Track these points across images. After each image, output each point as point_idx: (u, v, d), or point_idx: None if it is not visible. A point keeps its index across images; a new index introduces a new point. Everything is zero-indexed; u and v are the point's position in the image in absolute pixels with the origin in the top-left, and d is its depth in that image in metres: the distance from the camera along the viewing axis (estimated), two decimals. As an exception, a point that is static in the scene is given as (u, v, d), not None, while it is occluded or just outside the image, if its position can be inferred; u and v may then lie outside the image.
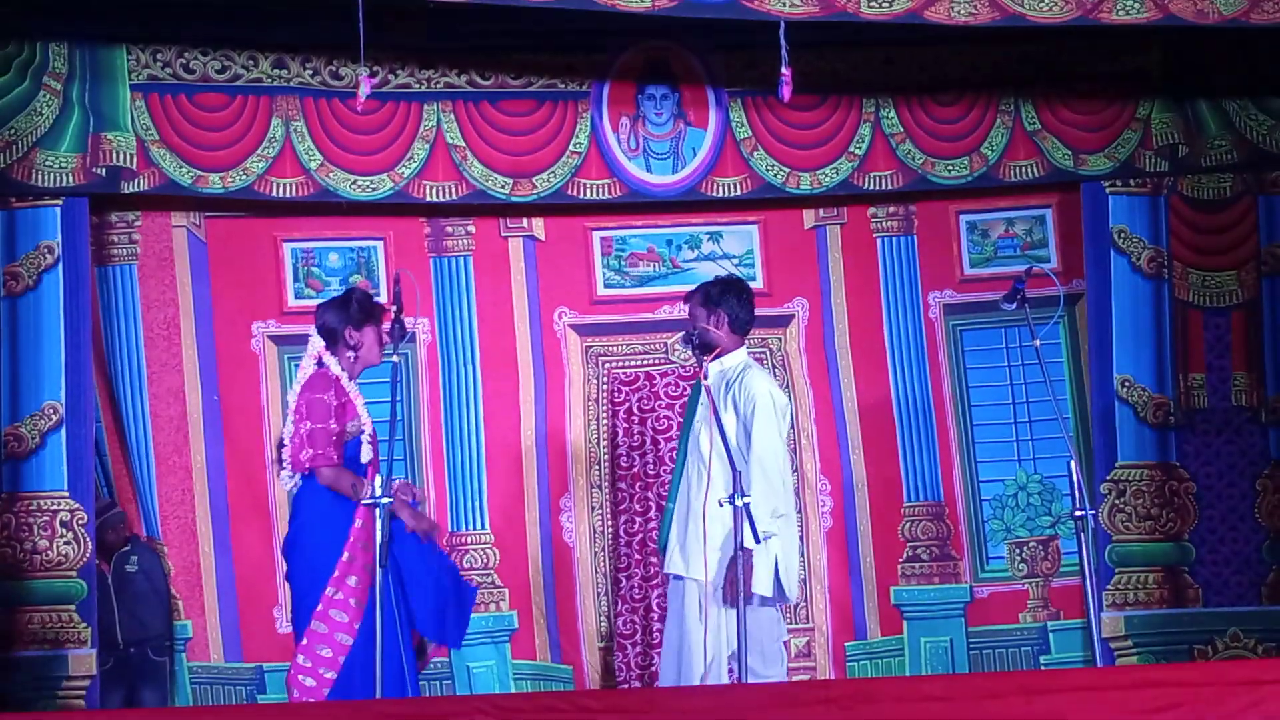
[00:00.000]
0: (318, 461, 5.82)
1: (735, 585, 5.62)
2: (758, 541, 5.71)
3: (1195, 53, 7.31)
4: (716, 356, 6.05)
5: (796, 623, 7.41)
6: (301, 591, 5.85)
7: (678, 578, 6.01)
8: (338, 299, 6.12)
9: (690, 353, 6.22)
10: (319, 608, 5.77)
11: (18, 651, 6.64)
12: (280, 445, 5.95)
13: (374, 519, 5.53)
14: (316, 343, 5.98)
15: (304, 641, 5.78)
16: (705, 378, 5.95)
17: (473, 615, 7.19)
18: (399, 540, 5.74)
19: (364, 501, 5.66)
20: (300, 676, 5.78)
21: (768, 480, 5.90)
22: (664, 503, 6.18)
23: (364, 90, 6.13)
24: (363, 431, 5.92)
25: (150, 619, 7.00)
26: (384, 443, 5.83)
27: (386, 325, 5.90)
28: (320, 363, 5.96)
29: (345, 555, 5.79)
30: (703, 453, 5.95)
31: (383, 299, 6.18)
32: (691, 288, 6.26)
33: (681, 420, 6.34)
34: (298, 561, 5.88)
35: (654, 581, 7.23)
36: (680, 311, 6.55)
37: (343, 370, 5.94)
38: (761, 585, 5.83)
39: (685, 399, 6.78)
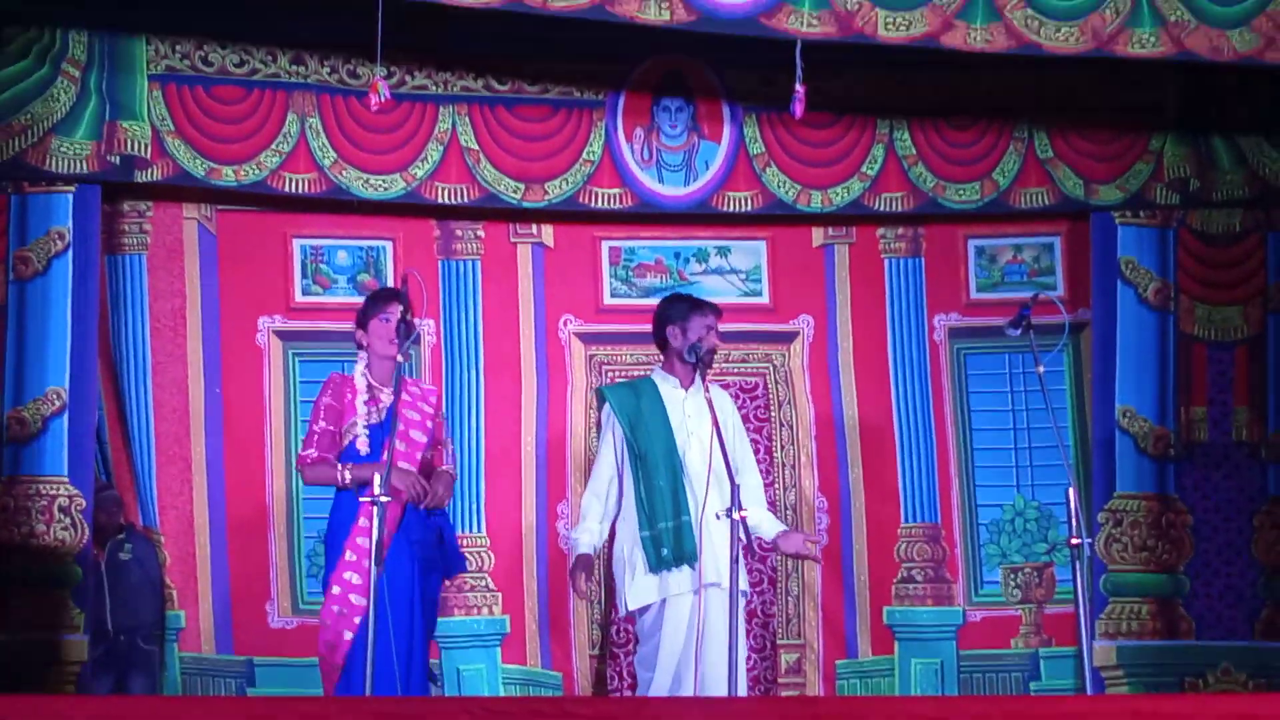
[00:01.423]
0: (299, 461, 5.99)
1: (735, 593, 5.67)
2: (754, 555, 5.76)
3: (1210, 87, 7.32)
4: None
5: (788, 638, 7.42)
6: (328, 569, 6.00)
7: (695, 591, 5.98)
8: None
9: (696, 368, 6.17)
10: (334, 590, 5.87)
11: (10, 634, 6.65)
12: None
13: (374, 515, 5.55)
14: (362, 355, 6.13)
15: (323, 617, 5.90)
16: (707, 391, 5.97)
17: (465, 619, 7.26)
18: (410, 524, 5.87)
19: (361, 500, 5.68)
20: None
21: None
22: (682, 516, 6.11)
23: (382, 92, 6.13)
24: (356, 428, 5.95)
25: (142, 608, 6.99)
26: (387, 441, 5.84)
27: (395, 310, 5.90)
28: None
29: (348, 554, 5.83)
30: (703, 465, 5.97)
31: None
32: (703, 302, 6.28)
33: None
34: (328, 547, 6.02)
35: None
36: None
37: (364, 374, 5.97)
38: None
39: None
